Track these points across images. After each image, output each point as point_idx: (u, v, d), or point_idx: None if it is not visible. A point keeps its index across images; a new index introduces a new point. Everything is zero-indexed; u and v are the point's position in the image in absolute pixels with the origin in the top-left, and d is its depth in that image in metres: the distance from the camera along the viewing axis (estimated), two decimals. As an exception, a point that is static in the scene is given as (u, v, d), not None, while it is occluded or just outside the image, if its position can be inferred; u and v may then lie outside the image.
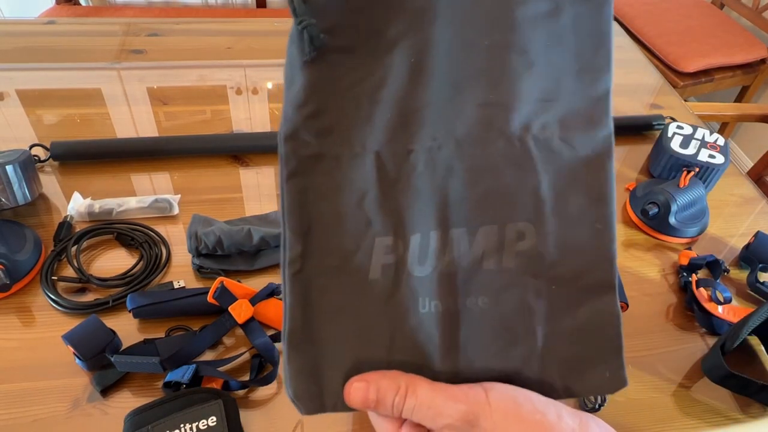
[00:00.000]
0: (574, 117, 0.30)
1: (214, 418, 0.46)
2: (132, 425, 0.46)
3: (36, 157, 0.71)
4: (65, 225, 0.64)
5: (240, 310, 0.53)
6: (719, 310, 0.61)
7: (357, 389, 0.29)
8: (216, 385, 0.51)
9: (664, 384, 0.56)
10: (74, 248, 0.62)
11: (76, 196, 0.67)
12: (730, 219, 0.76)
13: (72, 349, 0.50)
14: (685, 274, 0.66)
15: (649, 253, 0.70)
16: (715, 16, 1.99)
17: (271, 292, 0.57)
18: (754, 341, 0.61)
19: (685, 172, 0.72)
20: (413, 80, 0.28)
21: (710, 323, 0.61)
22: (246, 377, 0.53)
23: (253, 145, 0.77)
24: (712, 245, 0.72)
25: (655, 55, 1.85)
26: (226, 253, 0.62)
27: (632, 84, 1.02)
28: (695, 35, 1.88)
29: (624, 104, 0.95)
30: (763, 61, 1.89)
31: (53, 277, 0.59)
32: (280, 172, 0.29)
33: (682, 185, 0.70)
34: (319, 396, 0.30)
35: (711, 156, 0.76)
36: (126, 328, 0.56)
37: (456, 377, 0.29)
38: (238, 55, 0.97)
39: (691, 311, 0.63)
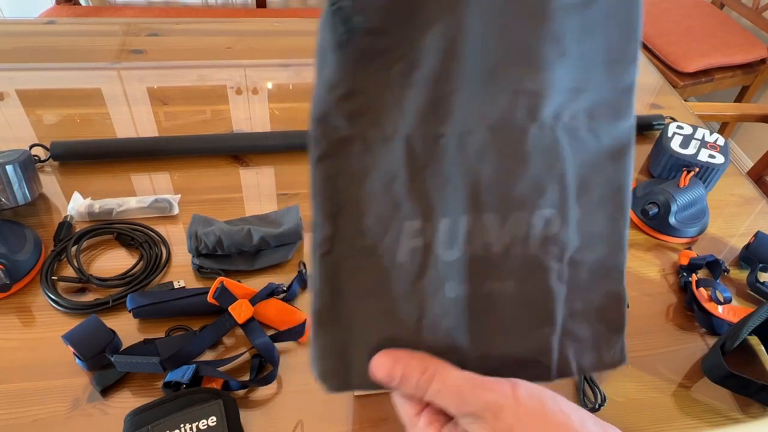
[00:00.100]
0: (600, 107, 0.30)
1: (214, 418, 0.46)
2: (132, 425, 0.46)
3: (36, 157, 0.71)
4: (65, 225, 0.64)
5: (240, 310, 0.53)
6: (719, 310, 0.61)
7: (383, 363, 0.29)
8: (216, 385, 0.51)
9: (664, 384, 0.56)
10: (74, 248, 0.62)
11: (76, 196, 0.67)
12: (730, 219, 0.76)
13: (72, 349, 0.50)
14: (685, 274, 0.66)
15: (649, 253, 0.70)
16: (715, 16, 1.99)
17: (271, 292, 0.57)
18: (754, 341, 0.61)
19: (685, 172, 0.72)
20: (445, 64, 0.28)
21: (710, 323, 0.61)
22: (246, 377, 0.53)
23: (253, 145, 0.77)
24: (712, 245, 0.72)
25: (655, 55, 1.85)
26: (226, 253, 0.62)
27: (632, 84, 1.01)
28: (695, 35, 1.88)
29: (624, 104, 0.95)
30: (763, 61, 1.89)
31: (53, 277, 0.59)
32: (310, 155, 0.29)
33: (682, 185, 0.70)
34: (344, 375, 0.30)
35: (711, 156, 0.76)
36: (126, 328, 0.56)
37: (482, 359, 0.30)
38: (238, 55, 0.97)
39: (691, 311, 0.63)
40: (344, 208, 0.29)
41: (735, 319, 0.59)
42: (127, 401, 0.51)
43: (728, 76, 1.85)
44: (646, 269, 0.68)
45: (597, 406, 0.53)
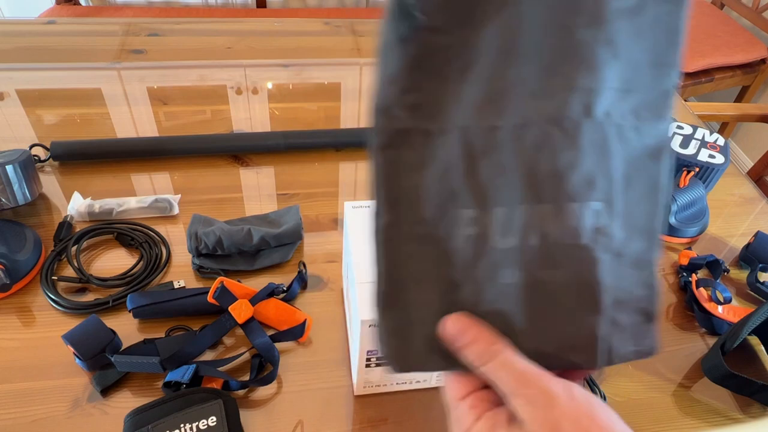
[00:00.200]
0: (645, 108, 0.32)
1: (214, 418, 0.46)
2: (132, 425, 0.46)
3: (36, 157, 0.71)
4: (65, 225, 0.64)
5: (240, 310, 0.53)
6: (719, 310, 0.61)
7: (459, 321, 0.31)
8: (216, 385, 0.51)
9: (664, 384, 0.57)
10: (74, 248, 0.62)
11: (76, 196, 0.67)
12: (730, 219, 0.76)
13: (72, 349, 0.50)
14: (685, 274, 0.66)
15: (649, 253, 0.70)
16: (715, 16, 1.99)
17: (271, 292, 0.57)
18: (754, 341, 0.61)
19: (685, 172, 0.72)
20: (503, 60, 0.29)
21: (710, 323, 0.61)
22: (246, 377, 0.53)
23: (253, 145, 0.77)
24: (712, 245, 0.72)
25: (655, 55, 1.85)
26: (226, 253, 0.62)
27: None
28: (695, 35, 1.88)
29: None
30: (763, 61, 1.89)
31: (53, 277, 0.59)
32: (372, 145, 0.30)
33: (682, 185, 0.70)
34: (408, 356, 0.32)
35: (711, 156, 0.76)
36: (126, 328, 0.56)
37: (534, 344, 0.32)
38: (238, 55, 0.97)
39: (691, 311, 0.63)
40: (403, 197, 0.31)
41: (735, 319, 0.59)
42: (127, 401, 0.51)
43: (728, 76, 1.85)
44: (646, 269, 0.68)
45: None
